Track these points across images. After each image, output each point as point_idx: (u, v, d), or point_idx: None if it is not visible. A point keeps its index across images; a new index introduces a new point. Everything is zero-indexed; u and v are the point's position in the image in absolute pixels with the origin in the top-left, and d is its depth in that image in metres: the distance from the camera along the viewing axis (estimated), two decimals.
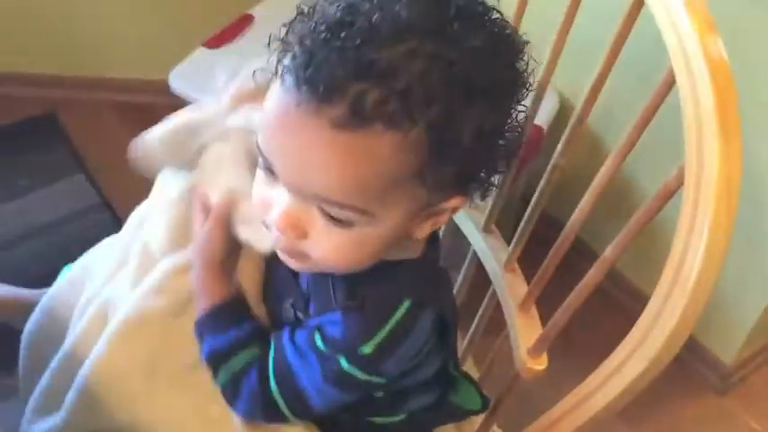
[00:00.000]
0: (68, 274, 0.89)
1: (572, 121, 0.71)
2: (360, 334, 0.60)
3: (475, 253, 0.87)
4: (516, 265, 0.82)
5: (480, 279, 0.87)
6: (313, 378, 0.64)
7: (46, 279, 0.98)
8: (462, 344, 0.91)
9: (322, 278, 0.63)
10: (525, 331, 0.76)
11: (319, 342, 0.62)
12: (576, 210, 0.69)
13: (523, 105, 0.59)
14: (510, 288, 0.80)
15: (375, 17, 0.49)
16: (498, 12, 0.56)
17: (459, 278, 0.91)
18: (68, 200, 1.52)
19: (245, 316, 0.69)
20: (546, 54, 0.73)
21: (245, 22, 1.48)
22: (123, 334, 0.70)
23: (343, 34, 0.49)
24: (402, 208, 0.55)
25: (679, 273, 0.55)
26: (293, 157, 0.53)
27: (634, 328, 0.59)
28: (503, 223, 0.87)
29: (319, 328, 0.63)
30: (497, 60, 0.54)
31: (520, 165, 1.27)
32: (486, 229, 0.85)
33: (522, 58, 0.57)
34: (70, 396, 0.74)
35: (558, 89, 1.38)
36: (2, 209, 1.50)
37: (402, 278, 0.62)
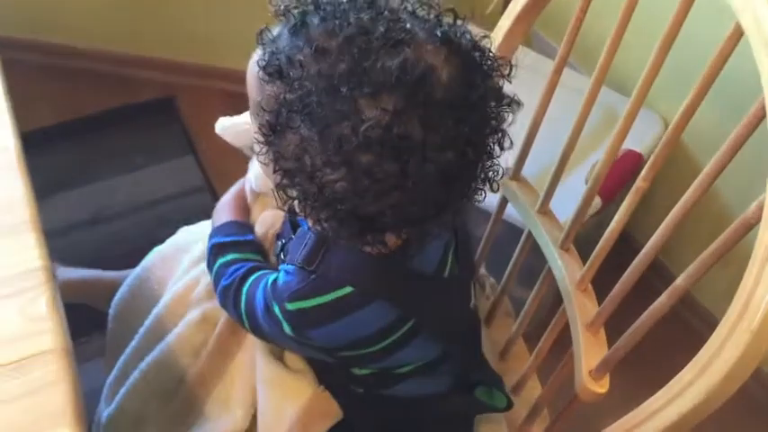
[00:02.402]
0: (160, 251, 0.96)
1: (659, 145, 0.69)
2: (292, 292, 0.65)
3: (550, 270, 0.87)
4: (589, 286, 0.81)
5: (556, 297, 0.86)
6: (261, 301, 0.70)
7: (146, 249, 1.05)
8: (529, 359, 0.90)
9: (302, 236, 0.68)
10: (590, 352, 0.76)
11: (270, 281, 0.69)
12: (654, 234, 0.68)
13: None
14: (580, 307, 0.79)
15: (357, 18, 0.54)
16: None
17: (532, 294, 0.91)
18: (176, 179, 1.61)
19: (250, 232, 0.83)
20: (641, 77, 0.72)
21: None
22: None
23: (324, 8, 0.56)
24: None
25: (747, 307, 0.54)
26: None
27: (695, 359, 0.58)
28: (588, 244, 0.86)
29: (279, 271, 0.69)
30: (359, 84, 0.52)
31: (612, 191, 1.26)
32: (562, 247, 0.84)
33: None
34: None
35: (664, 117, 1.34)
36: (118, 181, 1.60)
37: (355, 267, 0.65)
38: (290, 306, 0.65)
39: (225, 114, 0.91)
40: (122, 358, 0.89)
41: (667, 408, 0.59)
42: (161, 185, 1.59)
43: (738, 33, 0.60)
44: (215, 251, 0.81)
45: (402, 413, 0.79)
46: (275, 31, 0.59)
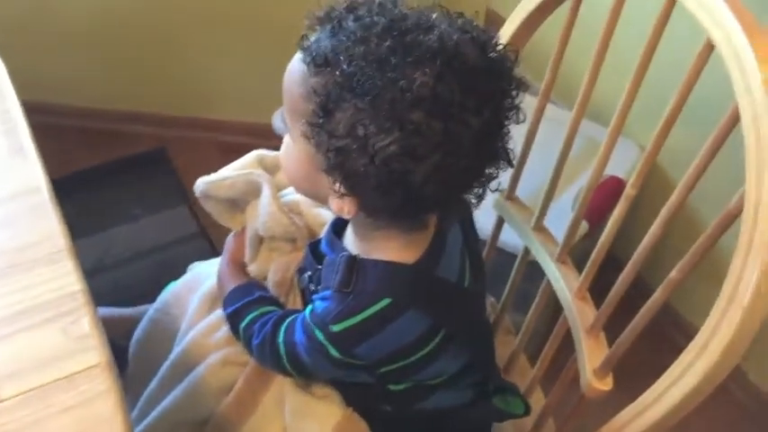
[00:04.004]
0: (174, 289, 1.00)
1: (642, 157, 0.76)
2: (335, 314, 0.69)
3: (548, 282, 0.92)
4: (587, 294, 0.86)
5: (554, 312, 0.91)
6: (301, 337, 0.73)
7: (150, 294, 1.09)
8: (533, 369, 0.95)
9: (331, 264, 0.73)
10: (592, 353, 0.80)
11: (308, 312, 0.73)
12: (644, 237, 0.74)
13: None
14: (580, 314, 0.84)
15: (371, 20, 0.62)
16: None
17: (532, 306, 0.95)
18: (172, 227, 1.66)
19: (256, 289, 0.87)
20: (619, 102, 0.78)
21: None
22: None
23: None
24: (299, 141, 0.66)
25: (737, 288, 0.59)
26: None
27: (691, 344, 0.63)
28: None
29: (313, 301, 0.73)
30: (399, 77, 0.58)
31: (598, 214, 1.32)
32: (559, 260, 0.89)
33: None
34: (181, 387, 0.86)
35: (640, 142, 1.42)
36: (117, 232, 1.65)
37: (389, 279, 0.70)
38: (335, 328, 0.69)
39: (217, 164, 0.96)
40: (143, 398, 0.92)
41: (670, 390, 0.64)
42: (159, 234, 1.63)
43: (709, 48, 0.67)
44: (232, 319, 0.85)
45: (427, 427, 0.82)
46: (313, 37, 0.64)
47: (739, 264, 0.59)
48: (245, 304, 0.84)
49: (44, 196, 0.74)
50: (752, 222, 0.59)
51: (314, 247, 0.80)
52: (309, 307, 0.74)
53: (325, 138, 0.62)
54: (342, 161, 0.62)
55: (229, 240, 0.94)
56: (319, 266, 0.76)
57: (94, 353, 0.61)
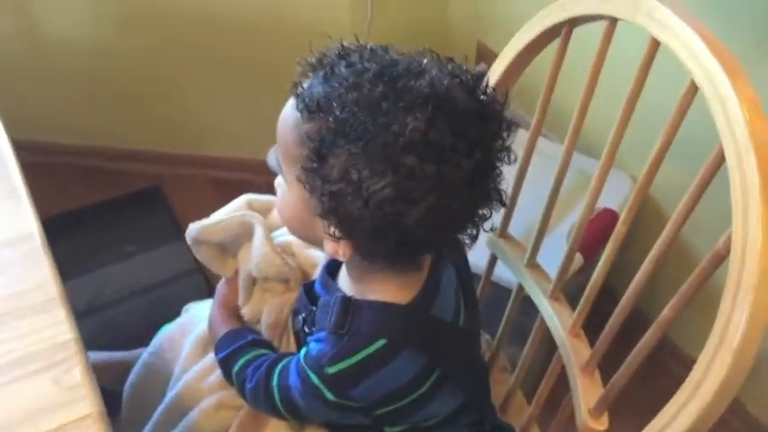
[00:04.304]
0: (167, 332, 1.00)
1: (633, 192, 0.76)
2: (330, 356, 0.70)
3: (542, 320, 0.92)
4: (581, 331, 0.86)
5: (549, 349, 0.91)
6: (296, 381, 0.73)
7: (145, 333, 1.08)
8: (530, 408, 0.94)
9: (326, 305, 0.73)
10: (587, 392, 0.80)
11: (302, 354, 0.73)
12: (637, 275, 0.74)
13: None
14: (574, 352, 0.84)
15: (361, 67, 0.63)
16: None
17: (527, 344, 0.95)
18: (168, 264, 1.66)
19: (248, 333, 0.87)
20: (609, 134, 0.79)
21: None
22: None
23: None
24: (294, 186, 0.67)
25: (727, 329, 0.59)
26: None
27: (684, 385, 0.62)
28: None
29: (308, 343, 0.74)
30: (388, 123, 0.59)
31: (592, 247, 1.33)
32: (552, 296, 0.90)
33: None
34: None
35: (632, 173, 1.43)
36: (111, 270, 1.65)
37: (384, 319, 0.70)
38: (330, 370, 0.69)
39: (213, 200, 0.97)
40: None
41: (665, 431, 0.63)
42: (153, 272, 1.63)
43: (694, 89, 0.68)
44: (224, 365, 0.85)
45: None
46: (306, 83, 0.65)
47: (728, 305, 0.59)
48: (238, 348, 0.84)
49: (36, 243, 0.74)
50: (739, 263, 0.59)
51: (308, 288, 0.80)
52: (304, 350, 0.74)
53: (319, 182, 0.62)
54: (336, 205, 0.62)
55: (221, 285, 0.94)
56: (314, 308, 0.76)
57: (86, 403, 0.61)
